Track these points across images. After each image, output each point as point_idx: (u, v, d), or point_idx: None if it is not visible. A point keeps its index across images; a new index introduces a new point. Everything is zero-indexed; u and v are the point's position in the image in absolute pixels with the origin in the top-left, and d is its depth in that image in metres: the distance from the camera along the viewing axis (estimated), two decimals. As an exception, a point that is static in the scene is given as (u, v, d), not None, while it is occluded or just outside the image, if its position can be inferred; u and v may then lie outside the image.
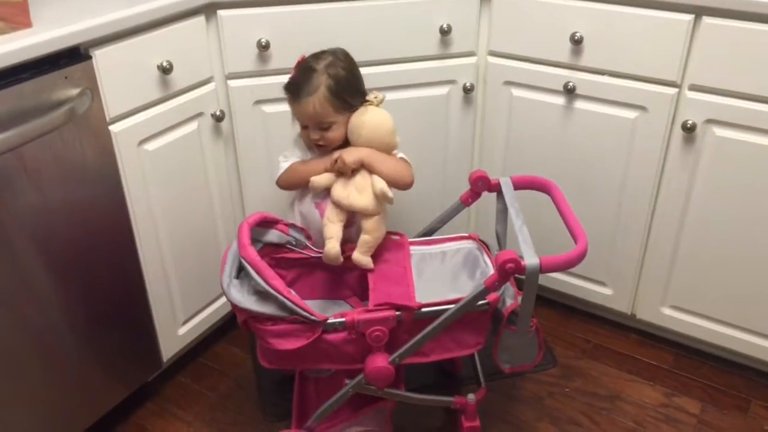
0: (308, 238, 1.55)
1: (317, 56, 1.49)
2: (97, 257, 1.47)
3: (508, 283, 1.41)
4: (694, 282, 1.72)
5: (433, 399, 1.58)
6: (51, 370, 1.44)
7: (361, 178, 1.46)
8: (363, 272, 1.50)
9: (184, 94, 1.57)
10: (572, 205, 1.45)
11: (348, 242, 1.51)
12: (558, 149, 1.77)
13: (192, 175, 1.65)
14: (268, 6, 1.59)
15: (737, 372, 1.82)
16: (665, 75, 1.55)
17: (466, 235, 1.59)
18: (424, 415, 1.70)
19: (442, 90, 1.78)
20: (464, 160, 1.90)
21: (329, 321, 1.33)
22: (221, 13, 1.57)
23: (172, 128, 1.56)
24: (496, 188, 1.56)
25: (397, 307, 1.34)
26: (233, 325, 1.95)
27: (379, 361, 1.36)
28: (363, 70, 1.67)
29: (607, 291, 1.88)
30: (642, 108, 1.61)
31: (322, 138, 1.48)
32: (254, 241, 1.42)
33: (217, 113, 1.63)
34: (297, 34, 1.62)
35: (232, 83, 1.65)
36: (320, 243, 1.53)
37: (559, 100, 1.71)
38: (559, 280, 1.94)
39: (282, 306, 1.30)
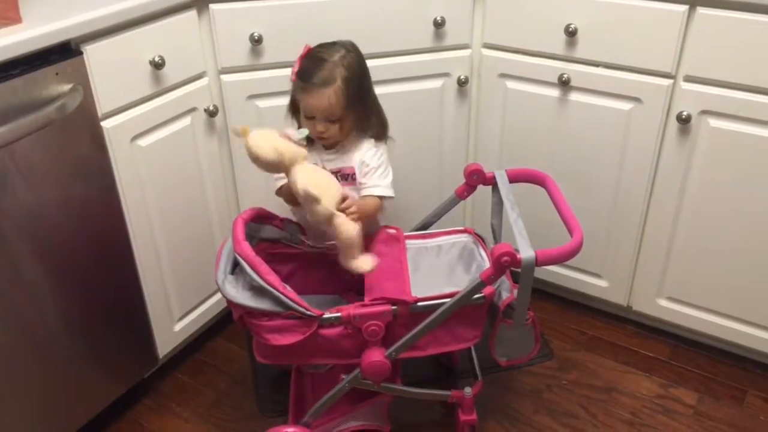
0: (303, 233, 1.54)
1: (329, 48, 1.45)
2: (92, 253, 1.46)
3: (504, 277, 1.41)
4: (690, 273, 1.72)
5: (430, 393, 1.58)
6: (46, 367, 1.43)
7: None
8: None
9: (176, 89, 1.56)
10: (568, 198, 1.45)
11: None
12: (553, 141, 1.76)
13: (186, 171, 1.64)
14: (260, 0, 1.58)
15: (733, 363, 1.82)
16: (660, 66, 1.55)
17: (462, 228, 1.59)
18: (422, 409, 1.70)
19: (437, 83, 1.78)
20: (459, 153, 1.89)
21: (325, 316, 1.32)
22: (213, 7, 1.55)
23: (165, 124, 1.55)
24: (491, 181, 1.55)
25: (393, 302, 1.33)
26: (229, 321, 1.94)
27: (376, 356, 1.36)
28: (357, 64, 1.68)
29: (603, 283, 1.88)
30: (637, 99, 1.60)
31: (327, 131, 1.45)
32: (249, 236, 1.42)
33: (211, 108, 1.62)
34: (290, 28, 1.61)
35: (225, 78, 1.64)
36: (316, 239, 1.52)
37: (554, 92, 1.70)
38: (555, 272, 1.94)
39: (277, 301, 1.29)
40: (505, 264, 1.25)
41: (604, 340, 1.92)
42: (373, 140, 1.52)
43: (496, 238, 1.59)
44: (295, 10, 1.60)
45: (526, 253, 1.25)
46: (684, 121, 1.55)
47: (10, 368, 1.36)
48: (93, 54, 1.35)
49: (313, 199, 1.34)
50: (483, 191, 1.60)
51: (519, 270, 1.27)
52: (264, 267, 1.31)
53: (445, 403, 1.61)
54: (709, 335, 1.80)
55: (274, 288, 1.29)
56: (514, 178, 1.54)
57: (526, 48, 1.70)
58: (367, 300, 1.35)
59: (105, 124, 1.42)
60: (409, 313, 1.34)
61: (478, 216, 1.94)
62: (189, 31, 1.54)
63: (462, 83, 1.77)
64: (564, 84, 1.66)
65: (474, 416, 1.56)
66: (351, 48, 1.46)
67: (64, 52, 1.32)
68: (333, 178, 1.45)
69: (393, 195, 1.52)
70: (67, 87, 1.31)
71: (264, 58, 1.63)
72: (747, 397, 1.72)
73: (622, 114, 1.63)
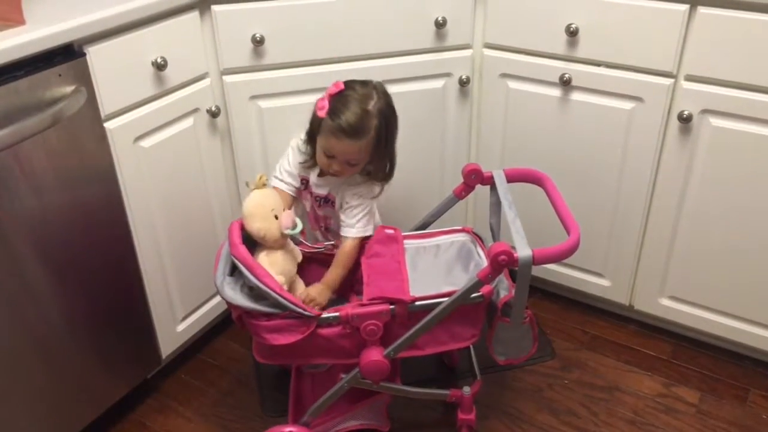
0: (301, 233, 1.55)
1: (362, 91, 1.43)
2: (95, 254, 1.47)
3: (502, 276, 1.41)
4: (692, 272, 1.72)
5: (429, 392, 1.59)
6: (50, 367, 1.44)
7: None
8: (357, 267, 1.50)
9: (179, 91, 1.56)
10: (569, 197, 1.45)
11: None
12: (555, 141, 1.76)
13: (188, 171, 1.65)
14: (262, 0, 1.58)
15: (735, 362, 1.81)
16: (661, 65, 1.55)
17: (460, 228, 1.59)
18: (422, 408, 1.70)
19: (438, 83, 1.78)
20: (461, 153, 1.90)
21: (323, 316, 1.33)
22: (215, 8, 1.56)
23: (168, 125, 1.56)
24: (489, 181, 1.55)
25: (391, 301, 1.34)
26: (232, 321, 1.94)
27: (374, 355, 1.36)
28: (358, 64, 1.69)
29: (605, 282, 1.88)
30: (638, 99, 1.60)
31: (343, 171, 1.46)
32: (247, 239, 1.43)
33: (213, 109, 1.63)
34: (292, 29, 1.62)
35: (228, 79, 1.64)
36: (314, 240, 1.55)
37: (556, 92, 1.70)
38: (557, 272, 1.94)
39: (275, 303, 1.30)
40: (503, 263, 1.25)
41: (606, 339, 1.91)
42: (367, 176, 1.52)
43: (495, 238, 1.59)
44: (298, 10, 1.61)
45: (523, 251, 1.25)
46: (685, 120, 1.55)
47: (14, 369, 1.37)
48: (96, 55, 1.36)
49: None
50: (486, 191, 1.61)
51: (517, 269, 1.28)
52: (261, 269, 1.32)
53: (445, 402, 1.62)
54: (711, 334, 1.79)
55: (272, 290, 1.29)
56: (512, 177, 1.55)
57: (528, 48, 1.71)
58: (365, 299, 1.36)
59: (108, 126, 1.43)
60: (407, 312, 1.35)
61: (480, 216, 1.94)
62: (191, 32, 1.55)
63: (463, 83, 1.78)
64: (565, 84, 1.66)
65: (473, 416, 1.56)
66: (382, 92, 1.45)
67: (67, 54, 1.32)
68: (293, 267, 1.49)
69: (369, 233, 1.53)
70: (70, 88, 1.32)
71: (266, 58, 1.64)
72: (750, 396, 1.72)
73: (624, 113, 1.63)
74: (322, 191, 1.55)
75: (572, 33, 1.61)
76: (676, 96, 1.56)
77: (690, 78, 1.53)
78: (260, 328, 1.33)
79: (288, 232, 1.42)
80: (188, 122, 1.61)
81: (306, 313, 1.31)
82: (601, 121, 1.67)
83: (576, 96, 1.68)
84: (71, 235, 1.41)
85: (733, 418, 1.66)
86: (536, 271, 1.34)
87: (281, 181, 1.56)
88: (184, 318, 1.77)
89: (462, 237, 1.57)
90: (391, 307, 1.34)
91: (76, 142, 1.37)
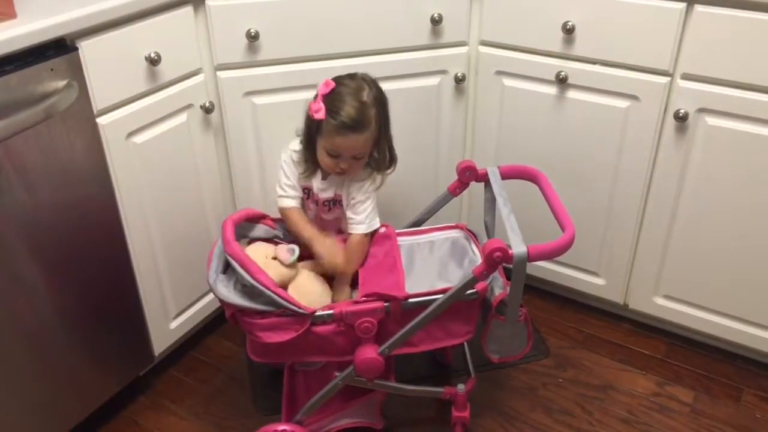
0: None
1: (353, 84, 1.43)
2: (87, 251, 1.46)
3: (496, 273, 1.40)
4: (687, 272, 1.72)
5: (423, 390, 1.58)
6: (42, 365, 1.43)
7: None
8: None
9: (172, 86, 1.55)
10: (564, 195, 1.45)
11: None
12: (550, 139, 1.76)
13: (181, 167, 1.64)
14: (256, -4, 1.58)
15: (729, 361, 1.82)
16: (657, 64, 1.55)
17: (454, 224, 1.59)
18: (417, 406, 1.70)
19: (433, 80, 1.77)
20: (456, 150, 1.89)
21: (317, 313, 1.32)
22: (209, 2, 1.55)
23: (161, 120, 1.55)
24: (484, 178, 1.55)
25: (385, 298, 1.33)
26: (225, 319, 1.93)
27: (369, 353, 1.36)
28: (354, 61, 1.68)
29: (599, 281, 1.88)
30: (634, 97, 1.60)
31: (351, 167, 1.46)
32: (241, 236, 1.42)
33: (207, 105, 1.62)
34: (287, 25, 1.61)
35: (222, 74, 1.63)
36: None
37: (551, 90, 1.70)
38: (552, 270, 1.93)
39: (269, 300, 1.29)
40: (497, 259, 1.24)
41: (601, 338, 1.91)
42: (370, 170, 1.52)
43: (490, 235, 1.58)
44: (292, 6, 1.60)
45: (517, 248, 1.25)
46: (681, 118, 1.54)
47: (5, 366, 1.36)
48: (88, 50, 1.35)
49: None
50: (481, 188, 1.60)
51: (511, 266, 1.27)
52: (254, 266, 1.31)
53: (439, 399, 1.61)
54: (706, 333, 1.79)
55: (266, 287, 1.29)
56: (507, 174, 1.54)
57: (524, 45, 1.70)
58: (359, 297, 1.35)
59: (100, 121, 1.42)
60: (401, 309, 1.34)
61: (474, 213, 1.94)
62: (185, 27, 1.54)
63: (459, 80, 1.77)
64: (561, 81, 1.66)
65: (467, 413, 1.56)
66: (371, 81, 1.46)
67: (59, 48, 1.31)
68: (324, 286, 1.51)
69: (377, 226, 1.54)
70: (62, 83, 1.31)
71: (260, 54, 1.63)
72: (744, 395, 1.72)
73: (620, 112, 1.63)
74: (328, 194, 1.54)
75: (568, 31, 1.60)
76: (672, 94, 1.56)
77: (686, 76, 1.53)
78: (254, 326, 1.32)
79: (291, 261, 1.44)
80: (182, 118, 1.59)
81: (300, 310, 1.30)
82: (596, 120, 1.67)
83: (572, 94, 1.68)
84: (63, 232, 1.40)
85: (727, 417, 1.66)
86: (531, 269, 1.33)
87: (287, 197, 1.55)
88: (177, 315, 1.76)
89: (456, 233, 1.57)
90: (386, 304, 1.33)
91: (69, 138, 1.36)
